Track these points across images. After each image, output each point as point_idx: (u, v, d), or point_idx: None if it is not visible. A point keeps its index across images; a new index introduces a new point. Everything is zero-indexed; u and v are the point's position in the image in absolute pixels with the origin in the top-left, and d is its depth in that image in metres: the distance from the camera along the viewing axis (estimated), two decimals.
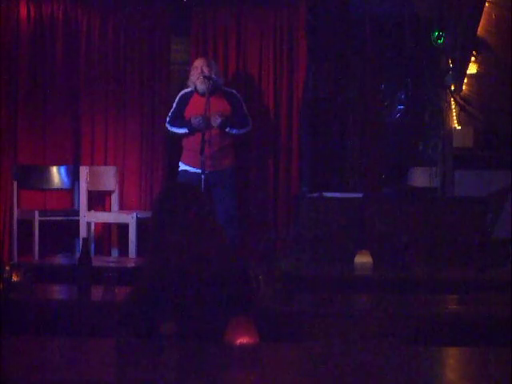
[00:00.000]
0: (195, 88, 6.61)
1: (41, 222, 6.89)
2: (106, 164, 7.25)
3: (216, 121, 6.45)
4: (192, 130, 6.47)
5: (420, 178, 7.24)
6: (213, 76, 6.50)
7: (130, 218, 6.71)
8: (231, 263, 2.85)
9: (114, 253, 7.18)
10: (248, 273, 2.90)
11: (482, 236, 5.97)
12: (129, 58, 7.28)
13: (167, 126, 6.70)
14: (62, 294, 4.15)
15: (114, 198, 7.24)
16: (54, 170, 7.25)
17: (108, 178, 7.17)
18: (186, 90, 6.72)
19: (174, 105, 6.70)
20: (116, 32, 7.27)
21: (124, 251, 6.93)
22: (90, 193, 6.97)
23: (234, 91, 6.73)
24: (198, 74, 6.55)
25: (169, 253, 2.80)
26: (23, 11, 7.16)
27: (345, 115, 7.68)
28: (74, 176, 7.20)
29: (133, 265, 5.35)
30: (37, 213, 6.88)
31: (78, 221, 6.91)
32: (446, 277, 4.64)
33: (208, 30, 7.29)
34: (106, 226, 7.25)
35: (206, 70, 6.53)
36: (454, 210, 6.07)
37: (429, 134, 7.37)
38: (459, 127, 7.10)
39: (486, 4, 6.81)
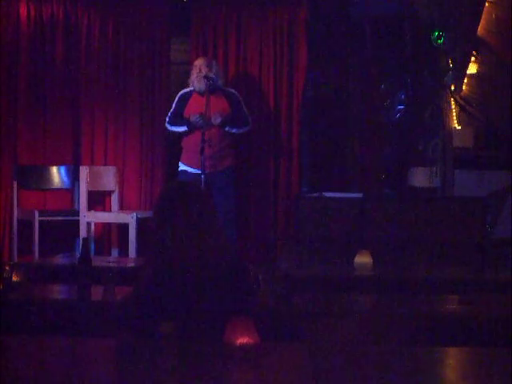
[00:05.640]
0: (195, 88, 6.62)
1: (41, 222, 6.89)
2: (106, 164, 7.25)
3: (217, 119, 6.45)
4: (191, 128, 6.48)
5: (420, 178, 7.24)
6: (212, 76, 6.50)
7: (129, 218, 6.71)
8: (231, 263, 2.85)
9: (114, 253, 7.18)
10: (248, 273, 2.90)
11: (482, 236, 5.98)
12: (129, 58, 7.28)
13: (167, 125, 6.70)
14: (62, 294, 4.15)
15: (114, 198, 7.24)
16: (54, 170, 7.25)
17: (108, 178, 7.17)
18: (185, 90, 6.72)
19: (174, 105, 6.70)
20: (116, 32, 7.27)
21: (124, 251, 6.93)
22: (90, 193, 6.97)
23: (233, 91, 6.74)
24: (197, 74, 6.56)
25: (169, 252, 2.80)
26: (23, 11, 7.16)
27: (345, 115, 7.69)
28: (74, 176, 7.20)
29: (133, 265, 5.35)
30: (37, 213, 6.88)
31: (78, 221, 6.90)
32: (446, 277, 4.64)
33: (208, 30, 7.29)
34: (106, 226, 7.25)
35: (204, 69, 6.54)
36: (454, 210, 6.07)
37: (429, 134, 7.36)
38: (459, 127, 7.09)
39: (486, 4, 6.80)
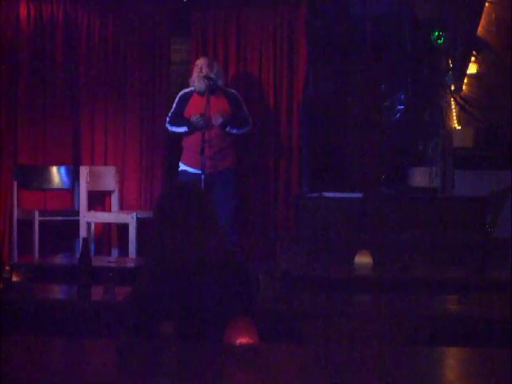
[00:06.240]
0: (195, 87, 6.62)
1: (41, 222, 6.89)
2: (105, 164, 7.25)
3: (217, 120, 6.45)
4: (192, 129, 6.48)
5: (420, 178, 7.23)
6: (212, 76, 6.50)
7: (129, 218, 6.71)
8: (231, 263, 2.85)
9: (114, 253, 7.18)
10: (248, 273, 2.90)
11: (481, 236, 5.98)
12: (129, 58, 7.29)
13: (167, 125, 6.70)
14: (62, 294, 4.15)
15: (114, 198, 7.24)
16: (54, 170, 7.25)
17: (108, 177, 7.17)
18: (185, 90, 6.72)
19: (174, 105, 6.70)
20: (116, 32, 7.27)
21: (124, 251, 6.93)
22: (90, 193, 6.97)
23: (234, 91, 6.74)
24: (198, 73, 6.57)
25: (169, 252, 2.80)
26: (23, 11, 7.16)
27: (345, 115, 7.68)
28: (73, 176, 7.20)
29: (133, 265, 5.36)
30: (37, 213, 6.88)
31: (78, 221, 6.90)
32: (446, 277, 4.64)
33: (208, 30, 7.29)
34: (106, 226, 7.25)
35: (205, 69, 6.54)
36: (454, 209, 6.07)
37: (429, 134, 7.36)
38: (459, 127, 7.10)
39: (486, 4, 6.81)
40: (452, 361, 2.66)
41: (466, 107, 7.08)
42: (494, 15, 6.78)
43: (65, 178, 7.27)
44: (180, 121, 6.58)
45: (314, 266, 5.22)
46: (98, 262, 4.97)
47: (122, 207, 7.26)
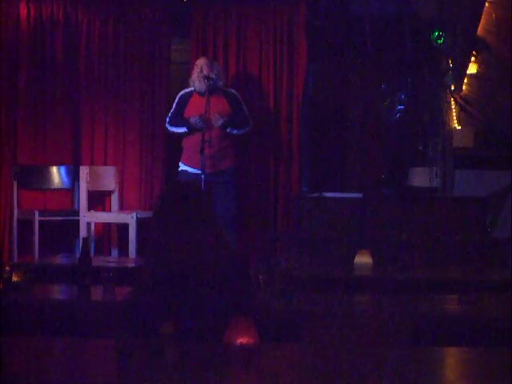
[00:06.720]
0: (195, 87, 6.62)
1: (41, 222, 6.89)
2: (105, 164, 7.25)
3: (217, 122, 6.45)
4: (191, 129, 6.48)
5: (420, 178, 7.23)
6: (212, 76, 6.50)
7: (129, 218, 6.71)
8: (231, 263, 2.85)
9: (114, 253, 7.18)
10: (248, 273, 2.90)
11: (481, 236, 5.98)
12: (129, 58, 7.28)
13: (167, 126, 6.70)
14: (62, 294, 4.15)
15: (114, 198, 7.24)
16: (54, 170, 7.25)
17: (108, 177, 7.17)
18: (185, 90, 6.72)
19: (174, 105, 6.70)
20: (116, 32, 7.27)
21: (124, 251, 6.93)
22: (90, 193, 6.97)
23: (233, 91, 6.74)
24: (198, 73, 6.57)
25: (169, 252, 2.80)
26: (23, 11, 7.16)
27: (345, 115, 7.68)
28: (74, 176, 7.20)
29: (133, 265, 5.35)
30: (37, 213, 6.88)
31: (78, 221, 6.91)
32: (446, 277, 4.64)
33: (208, 30, 7.29)
34: (106, 226, 7.25)
35: (206, 69, 6.54)
36: (454, 209, 6.07)
37: (429, 134, 7.36)
38: (459, 127, 7.09)
39: (486, 4, 6.80)
40: (452, 361, 2.66)
41: (466, 107, 7.08)
42: (493, 15, 6.77)
43: (65, 178, 7.27)
44: (180, 121, 6.59)
45: (313, 265, 5.22)
46: (98, 262, 4.96)
47: (122, 207, 7.26)
